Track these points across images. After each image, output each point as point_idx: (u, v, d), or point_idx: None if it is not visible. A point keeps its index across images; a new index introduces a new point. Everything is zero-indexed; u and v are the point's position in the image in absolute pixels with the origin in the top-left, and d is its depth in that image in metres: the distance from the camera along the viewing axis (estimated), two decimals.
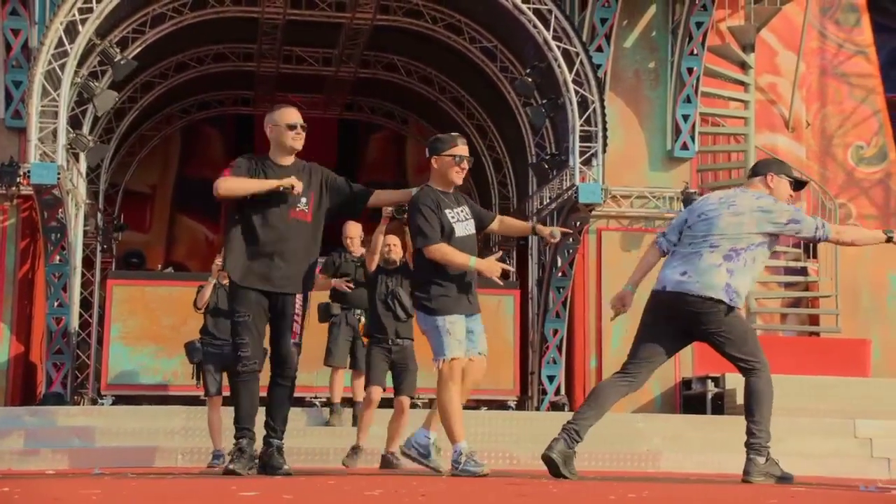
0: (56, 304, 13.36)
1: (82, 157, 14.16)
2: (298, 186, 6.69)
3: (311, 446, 10.31)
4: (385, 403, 8.90)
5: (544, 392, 14.10)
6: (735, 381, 13.55)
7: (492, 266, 6.58)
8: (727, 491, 5.48)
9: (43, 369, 13.57)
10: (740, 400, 13.07)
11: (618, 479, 6.74)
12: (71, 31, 12.46)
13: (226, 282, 8.15)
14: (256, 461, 6.83)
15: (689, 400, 14.11)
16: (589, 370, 14.27)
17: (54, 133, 12.32)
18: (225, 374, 9.66)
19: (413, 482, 5.56)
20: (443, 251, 6.55)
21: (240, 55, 16.53)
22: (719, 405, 13.53)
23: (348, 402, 10.65)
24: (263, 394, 6.87)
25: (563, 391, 14.09)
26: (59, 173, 12.18)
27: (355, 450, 8.96)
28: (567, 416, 12.70)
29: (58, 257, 13.20)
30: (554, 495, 4.74)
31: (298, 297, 6.87)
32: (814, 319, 16.18)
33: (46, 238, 13.09)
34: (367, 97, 18.17)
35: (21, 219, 13.63)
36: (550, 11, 12.86)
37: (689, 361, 14.33)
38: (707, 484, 6.29)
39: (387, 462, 8.70)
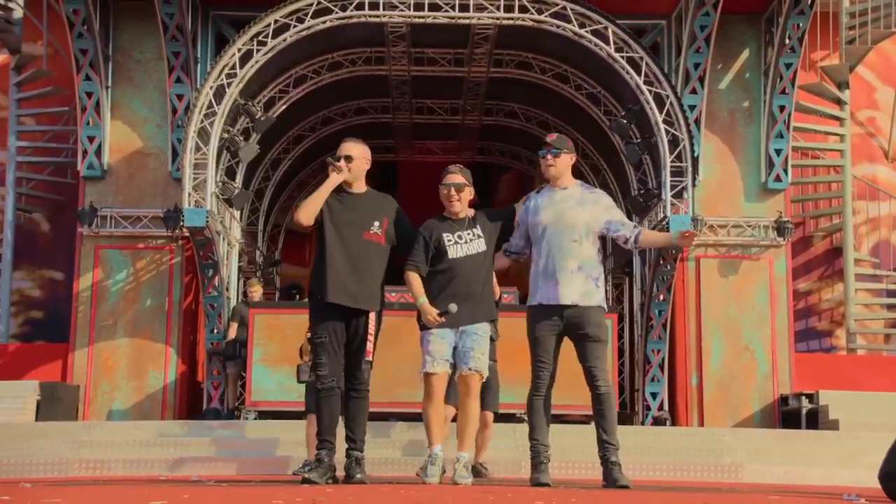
0: (213, 331, 14.11)
1: None
2: (343, 173, 6.89)
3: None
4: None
5: (648, 408, 14.05)
6: (828, 398, 13.20)
7: (427, 312, 6.86)
8: (690, 499, 5.45)
9: (205, 388, 14.34)
10: (833, 415, 12.82)
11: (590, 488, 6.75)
12: (220, 93, 13.18)
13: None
14: (334, 470, 6.97)
15: (787, 416, 13.81)
16: (690, 387, 14.18)
17: (205, 182, 13.06)
18: None
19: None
20: (408, 279, 7.00)
21: (377, 108, 17.03)
22: (814, 420, 13.21)
23: None
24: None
25: (665, 407, 14.01)
26: (207, 217, 12.89)
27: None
28: (669, 430, 12.75)
29: (213, 290, 13.93)
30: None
31: (373, 317, 6.95)
32: None
33: (203, 273, 13.81)
34: (494, 141, 18.42)
35: (185, 257, 14.41)
36: (641, 58, 12.92)
37: (786, 379, 14.05)
38: (707, 493, 6.25)
39: (476, 472, 8.82)
